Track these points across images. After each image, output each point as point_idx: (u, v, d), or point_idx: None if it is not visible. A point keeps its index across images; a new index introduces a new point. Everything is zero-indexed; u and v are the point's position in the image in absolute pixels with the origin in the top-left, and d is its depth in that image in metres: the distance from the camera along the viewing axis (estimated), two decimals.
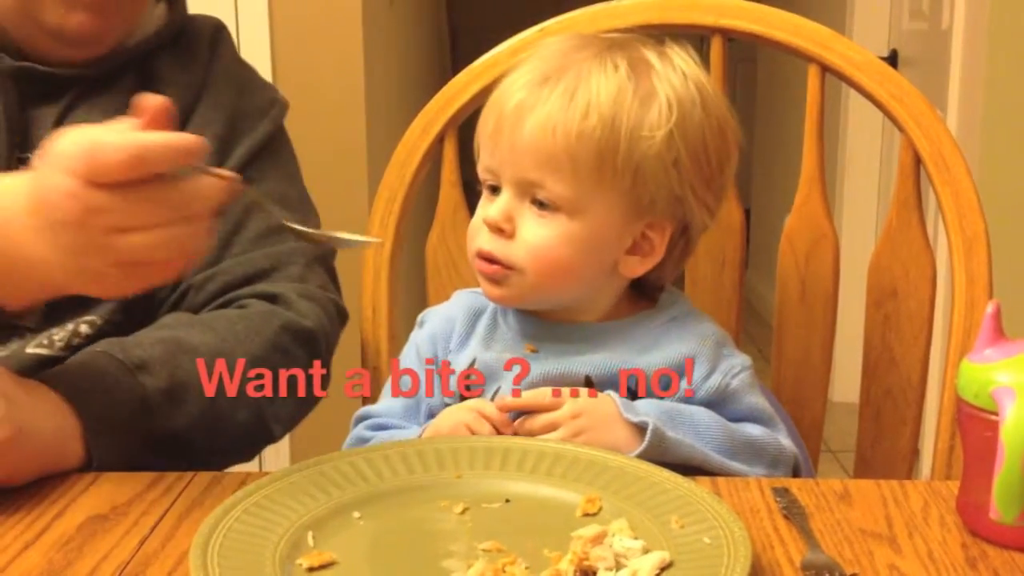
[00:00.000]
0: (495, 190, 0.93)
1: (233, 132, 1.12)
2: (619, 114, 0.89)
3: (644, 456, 0.83)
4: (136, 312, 1.04)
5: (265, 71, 2.39)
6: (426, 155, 1.13)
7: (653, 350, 0.93)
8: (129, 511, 0.79)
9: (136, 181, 0.74)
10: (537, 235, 0.91)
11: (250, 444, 1.04)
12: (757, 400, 0.94)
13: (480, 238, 0.93)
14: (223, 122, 1.12)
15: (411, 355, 1.01)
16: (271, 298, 1.07)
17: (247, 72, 1.20)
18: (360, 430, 0.99)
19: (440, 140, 1.13)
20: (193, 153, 0.76)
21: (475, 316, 0.99)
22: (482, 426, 0.88)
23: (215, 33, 1.18)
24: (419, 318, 1.03)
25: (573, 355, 0.93)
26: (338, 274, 1.17)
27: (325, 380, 1.12)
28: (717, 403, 0.92)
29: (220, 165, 1.08)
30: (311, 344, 1.07)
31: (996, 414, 0.71)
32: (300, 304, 1.07)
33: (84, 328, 1.02)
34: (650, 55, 0.93)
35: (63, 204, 0.75)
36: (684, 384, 0.92)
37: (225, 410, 0.98)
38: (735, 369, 0.94)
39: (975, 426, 0.74)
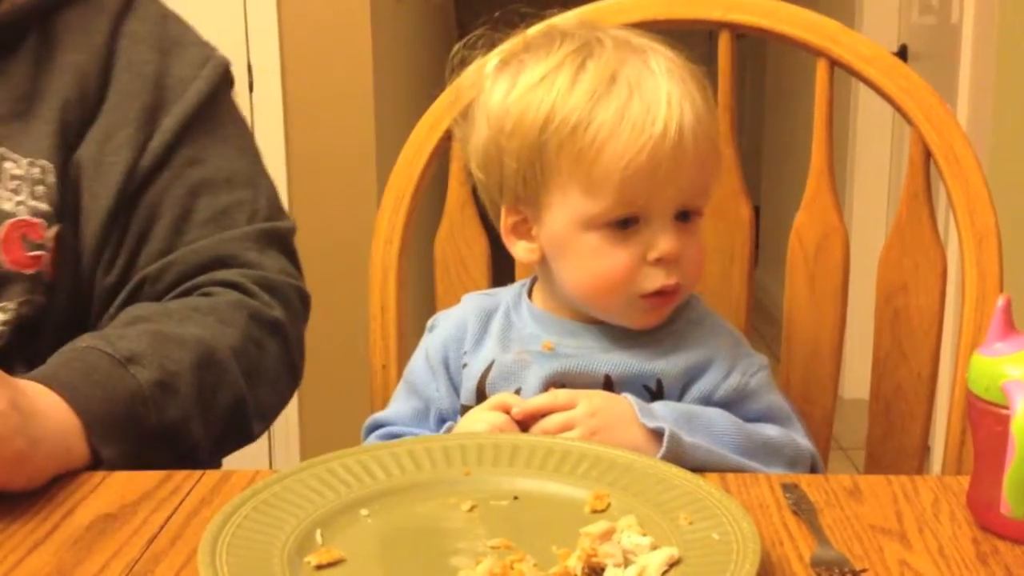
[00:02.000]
0: (627, 223, 0.88)
1: (160, 100, 1.07)
2: (711, 94, 0.92)
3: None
4: (61, 295, 1.03)
5: (274, 71, 2.40)
6: (434, 153, 1.13)
7: (673, 352, 0.92)
8: (138, 510, 0.79)
9: None
10: (695, 249, 0.91)
11: (232, 437, 1.03)
12: (775, 399, 0.94)
13: (654, 278, 0.89)
14: (148, 89, 1.07)
15: (421, 360, 1.00)
16: (232, 286, 1.05)
17: (175, 30, 1.13)
18: (373, 440, 0.98)
19: (448, 137, 1.13)
20: None
21: (487, 317, 0.98)
22: (513, 429, 0.88)
23: None
24: (429, 323, 1.02)
25: (592, 354, 0.92)
26: (299, 255, 1.14)
27: (298, 373, 1.11)
28: (736, 402, 0.92)
29: (148, 138, 1.06)
30: (279, 334, 1.06)
31: (1007, 408, 0.70)
32: (262, 295, 1.06)
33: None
34: (626, 32, 0.93)
35: None
36: (705, 386, 0.92)
37: (210, 397, 0.97)
38: (753, 368, 0.93)
39: (986, 420, 0.73)
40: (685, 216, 0.90)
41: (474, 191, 1.14)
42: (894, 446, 1.09)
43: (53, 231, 1.03)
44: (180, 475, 0.85)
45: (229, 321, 1.01)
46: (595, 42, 0.90)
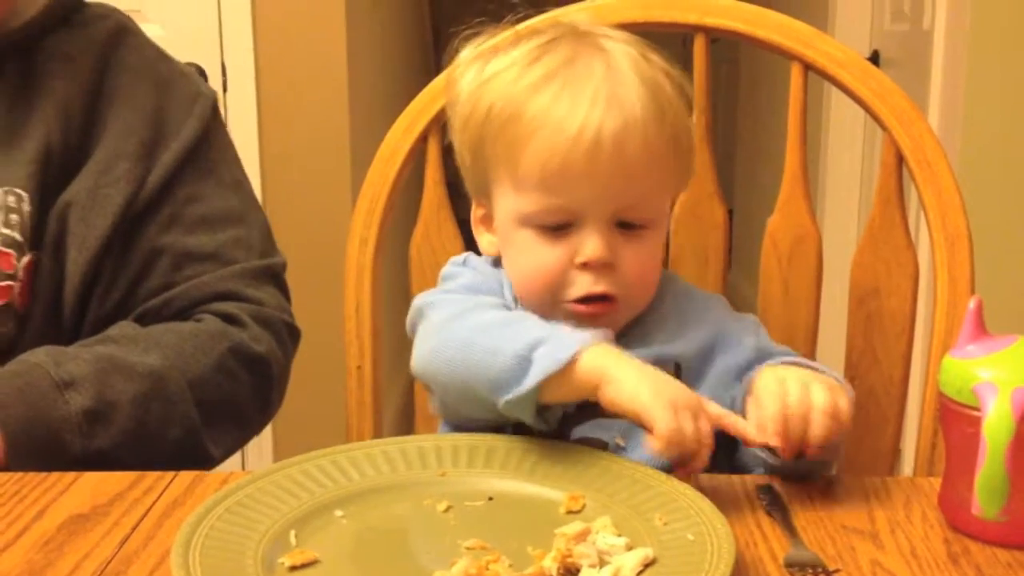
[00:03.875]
0: (562, 227, 0.86)
1: (158, 135, 1.08)
2: (676, 107, 0.88)
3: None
4: (34, 326, 1.02)
5: (248, 72, 2.39)
6: (409, 154, 1.13)
7: (683, 333, 0.91)
8: (110, 510, 0.78)
9: None
10: (637, 260, 0.87)
11: (186, 464, 1.03)
12: (780, 347, 0.95)
13: (581, 283, 0.86)
14: (147, 125, 1.08)
15: (468, 276, 0.96)
16: (227, 318, 1.06)
17: (165, 65, 1.14)
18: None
19: (423, 139, 1.13)
20: None
21: (500, 287, 0.95)
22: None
23: (119, 23, 1.11)
24: (459, 258, 0.99)
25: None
26: (290, 288, 1.17)
27: (271, 407, 1.12)
28: (762, 359, 0.91)
29: (147, 173, 1.07)
30: (260, 369, 1.07)
31: (978, 410, 0.71)
32: (254, 328, 1.07)
33: None
34: (608, 33, 0.91)
35: None
36: (733, 358, 0.91)
37: (155, 430, 0.97)
38: (752, 326, 0.95)
39: (957, 422, 0.74)
40: (628, 226, 0.87)
41: (450, 193, 1.14)
42: (866, 448, 1.10)
43: (25, 261, 1.03)
44: (152, 476, 0.84)
45: (205, 350, 1.02)
46: (562, 37, 0.89)
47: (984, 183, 2.24)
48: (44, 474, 0.84)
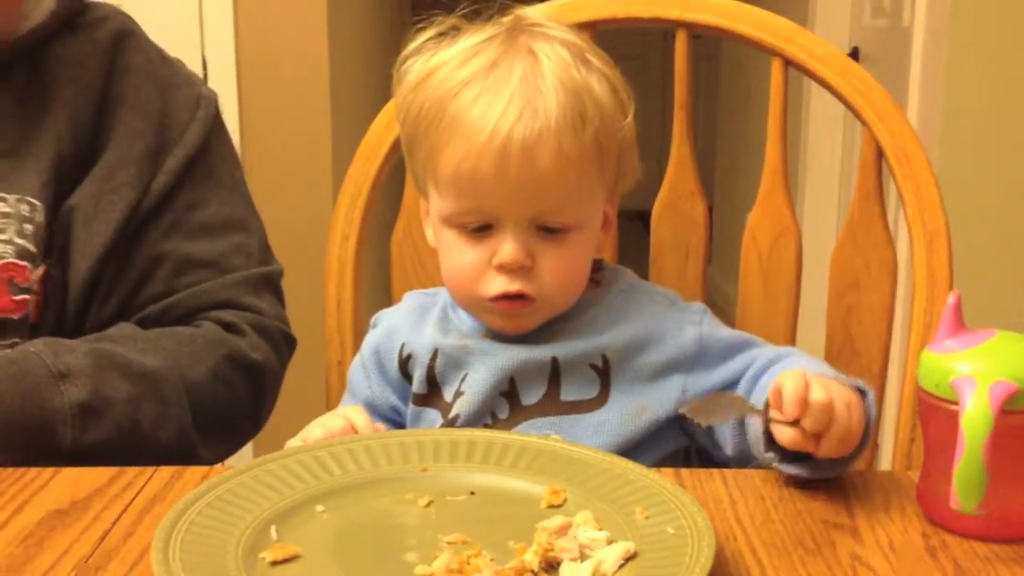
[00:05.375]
0: (482, 228, 0.88)
1: (163, 140, 1.08)
2: (603, 111, 0.88)
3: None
4: (43, 334, 1.01)
5: (229, 66, 2.38)
6: (391, 149, 1.13)
7: (614, 326, 0.92)
8: (90, 506, 0.78)
9: None
10: (558, 262, 0.89)
11: (180, 460, 1.03)
12: (731, 331, 0.95)
13: (496, 283, 0.89)
14: (152, 130, 1.07)
15: (356, 361, 1.02)
16: (226, 326, 1.06)
17: (168, 67, 1.13)
18: None
19: None
20: None
21: (423, 311, 0.99)
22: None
23: (122, 25, 1.11)
24: (372, 320, 1.03)
25: (534, 343, 0.92)
26: (284, 291, 1.17)
27: (264, 415, 1.12)
28: (703, 352, 0.92)
29: (151, 179, 1.06)
30: (255, 377, 1.07)
31: (956, 404, 0.71)
32: (252, 337, 1.07)
33: None
34: (547, 32, 0.90)
35: None
36: (666, 352, 0.92)
37: (147, 430, 0.97)
38: (696, 316, 0.94)
39: (936, 416, 0.75)
40: (549, 230, 0.89)
41: None
42: None
43: (39, 273, 1.02)
44: (132, 471, 0.84)
45: (201, 356, 1.02)
46: (497, 36, 0.89)
47: (962, 178, 2.25)
48: (23, 470, 0.84)
